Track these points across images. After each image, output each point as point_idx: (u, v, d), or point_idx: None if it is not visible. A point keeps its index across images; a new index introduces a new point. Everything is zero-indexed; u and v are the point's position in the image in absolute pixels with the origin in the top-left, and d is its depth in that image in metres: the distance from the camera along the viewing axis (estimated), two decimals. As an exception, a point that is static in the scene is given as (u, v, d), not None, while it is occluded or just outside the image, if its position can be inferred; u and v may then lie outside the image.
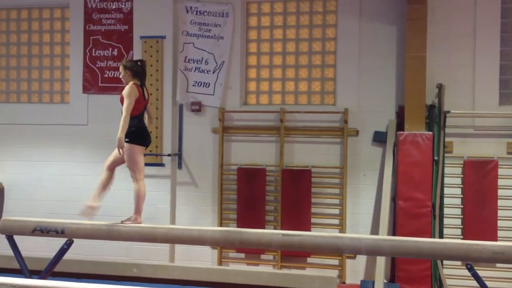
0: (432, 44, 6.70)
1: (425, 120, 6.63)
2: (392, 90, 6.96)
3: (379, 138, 6.91)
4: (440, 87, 6.66)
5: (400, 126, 6.76)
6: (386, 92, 6.97)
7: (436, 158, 6.57)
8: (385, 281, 6.32)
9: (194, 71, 7.42)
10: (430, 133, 6.51)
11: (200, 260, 7.23)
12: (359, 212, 7.01)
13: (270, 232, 4.81)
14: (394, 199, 6.64)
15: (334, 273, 6.82)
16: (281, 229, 6.82)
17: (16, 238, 4.99)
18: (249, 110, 7.39)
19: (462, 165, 6.67)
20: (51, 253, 5.36)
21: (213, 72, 7.39)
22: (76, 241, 4.93)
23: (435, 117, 6.65)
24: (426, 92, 6.59)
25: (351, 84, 7.05)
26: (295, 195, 7.06)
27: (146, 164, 7.24)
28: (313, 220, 7.03)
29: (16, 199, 7.79)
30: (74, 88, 7.82)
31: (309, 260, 7.09)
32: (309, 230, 6.82)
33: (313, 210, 7.05)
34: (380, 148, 6.95)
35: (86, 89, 7.75)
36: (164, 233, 4.88)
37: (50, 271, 4.85)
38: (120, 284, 3.87)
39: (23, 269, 4.84)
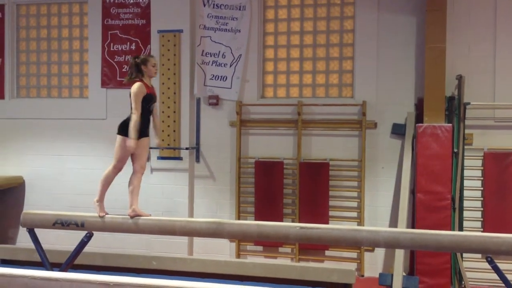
0: (452, 35, 6.62)
1: (445, 112, 6.55)
2: (411, 82, 6.90)
3: (398, 130, 6.85)
4: (460, 78, 6.58)
5: (419, 118, 6.69)
6: (405, 84, 6.91)
7: (455, 150, 6.50)
8: (404, 274, 6.28)
9: (212, 64, 7.43)
10: (450, 125, 6.43)
11: (218, 253, 7.27)
12: (378, 205, 6.97)
13: (288, 225, 4.80)
14: (413, 192, 6.59)
15: (352, 266, 6.80)
16: (299, 222, 6.82)
17: (37, 231, 5.06)
18: (266, 103, 7.39)
19: (482, 157, 6.59)
20: (70, 246, 5.43)
21: (230, 66, 7.39)
22: (96, 234, 4.98)
23: (454, 109, 6.58)
24: (446, 83, 6.51)
25: (369, 76, 7.00)
26: (313, 188, 7.04)
27: (165, 158, 7.39)
28: (331, 213, 7.02)
29: (37, 193, 7.90)
30: (92, 82, 7.90)
31: (327, 253, 7.09)
32: (327, 223, 6.82)
33: (331, 203, 7.03)
34: (398, 140, 6.90)
35: (104, 84, 7.82)
36: (182, 226, 4.91)
37: (70, 263, 4.92)
38: (140, 276, 3.90)
39: (44, 262, 4.91)
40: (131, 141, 4.80)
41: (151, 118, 5.09)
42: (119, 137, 4.92)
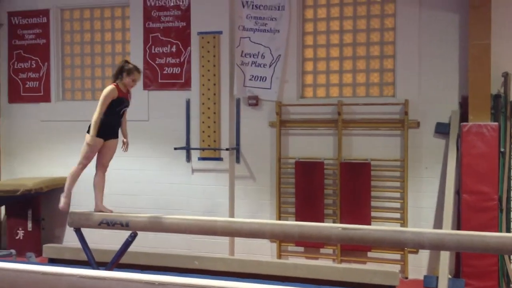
0: (497, 31, 6.43)
1: (490, 110, 6.38)
2: (455, 80, 6.74)
3: (442, 129, 6.71)
4: (506, 76, 6.40)
5: (463, 117, 6.54)
6: (448, 82, 6.76)
7: (502, 149, 6.33)
8: (450, 276, 6.14)
9: (251, 65, 7.44)
10: (496, 123, 6.26)
11: (259, 253, 7.27)
12: (421, 206, 6.84)
13: (329, 226, 4.77)
14: (458, 193, 6.44)
15: (395, 267, 6.69)
16: (340, 223, 6.76)
17: (82, 230, 5.17)
18: (306, 103, 7.35)
19: (530, 157, 6.39)
20: (112, 245, 5.54)
21: (270, 66, 7.39)
22: (140, 234, 5.06)
23: (501, 107, 6.40)
24: (491, 81, 6.35)
25: (411, 75, 6.88)
26: (354, 189, 6.97)
27: (205, 159, 7.45)
28: (373, 214, 6.93)
29: (83, 194, 8.03)
30: (135, 85, 8.03)
31: (370, 254, 7.00)
32: (369, 224, 6.73)
33: (373, 204, 6.94)
34: (442, 140, 6.75)
35: (146, 86, 7.94)
36: (224, 227, 4.93)
37: (116, 262, 5.01)
38: (182, 275, 3.94)
39: (90, 261, 5.01)
40: (87, 136, 5.07)
41: (121, 121, 5.33)
42: (87, 136, 5.16)
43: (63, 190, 5.44)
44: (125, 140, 5.43)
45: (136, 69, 5.23)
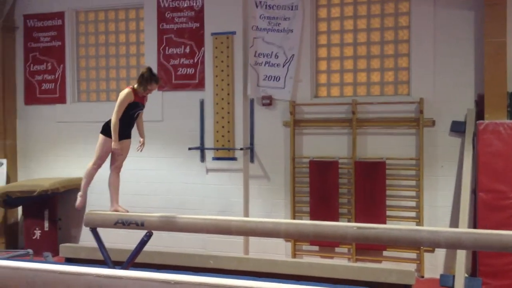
0: (513, 28, 6.37)
1: (507, 108, 6.32)
2: (471, 78, 6.68)
3: (457, 128, 6.65)
4: (522, 73, 6.33)
5: (479, 115, 6.48)
6: (464, 80, 6.70)
7: (519, 147, 6.26)
8: (466, 275, 6.09)
9: (264, 65, 7.45)
10: (512, 121, 6.20)
11: (274, 252, 7.27)
12: (437, 205, 6.79)
13: (344, 225, 4.75)
14: (474, 191, 6.39)
15: (411, 266, 6.65)
16: (355, 222, 6.73)
17: (99, 230, 5.22)
18: (320, 102, 7.34)
19: (548, 155, 6.31)
20: (127, 245, 5.56)
21: (283, 66, 7.39)
22: (155, 233, 5.09)
23: (517, 105, 6.33)
24: (507, 78, 6.29)
25: (426, 73, 6.83)
26: (369, 188, 6.94)
27: (219, 159, 7.47)
28: (388, 213, 6.89)
29: (97, 193, 8.12)
30: (149, 85, 8.07)
31: (385, 253, 6.96)
32: (384, 223, 6.69)
33: (388, 202, 6.91)
34: (458, 138, 6.70)
35: (160, 87, 7.96)
36: (239, 226, 4.94)
37: (131, 262, 5.04)
38: (197, 275, 3.95)
39: (107, 260, 5.05)
40: (114, 143, 5.13)
41: (135, 124, 5.41)
42: (101, 136, 5.27)
43: (79, 190, 5.51)
44: (141, 140, 5.46)
45: (155, 80, 5.22)
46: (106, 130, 5.23)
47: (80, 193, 5.36)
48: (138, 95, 5.23)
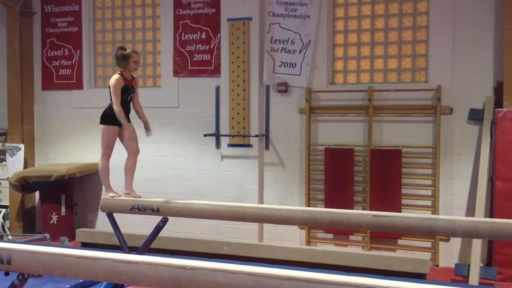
0: (535, 14, 6.25)
1: (527, 96, 6.23)
2: (490, 65, 6.58)
3: (475, 116, 6.57)
4: (543, 60, 6.21)
5: (498, 103, 6.40)
6: (482, 67, 6.60)
7: (538, 136, 6.17)
8: (481, 264, 6.06)
9: (281, 51, 7.40)
10: (532, 110, 6.11)
11: (288, 239, 7.29)
12: (453, 194, 6.74)
13: (359, 213, 4.73)
14: (491, 180, 6.32)
15: (426, 255, 6.63)
16: (370, 210, 6.71)
17: (115, 215, 5.26)
18: (336, 89, 7.29)
19: None
20: (143, 230, 5.59)
21: (300, 52, 7.34)
22: (170, 219, 5.12)
23: (537, 92, 6.23)
24: (528, 66, 6.18)
25: (444, 60, 6.74)
26: (385, 176, 6.90)
27: (234, 145, 7.47)
28: (403, 201, 6.85)
29: (115, 179, 8.18)
30: (165, 72, 8.09)
31: (400, 242, 6.94)
32: (399, 211, 6.66)
33: (403, 191, 6.87)
34: (476, 126, 6.62)
35: (176, 73, 7.99)
36: (254, 213, 4.94)
37: (147, 247, 5.08)
38: (212, 260, 3.98)
39: (122, 245, 5.09)
40: (127, 126, 5.20)
41: (131, 107, 5.38)
42: (101, 126, 5.26)
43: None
44: (146, 125, 5.48)
45: (132, 51, 5.28)
46: (104, 119, 5.24)
47: (107, 193, 5.29)
48: (127, 79, 5.27)
